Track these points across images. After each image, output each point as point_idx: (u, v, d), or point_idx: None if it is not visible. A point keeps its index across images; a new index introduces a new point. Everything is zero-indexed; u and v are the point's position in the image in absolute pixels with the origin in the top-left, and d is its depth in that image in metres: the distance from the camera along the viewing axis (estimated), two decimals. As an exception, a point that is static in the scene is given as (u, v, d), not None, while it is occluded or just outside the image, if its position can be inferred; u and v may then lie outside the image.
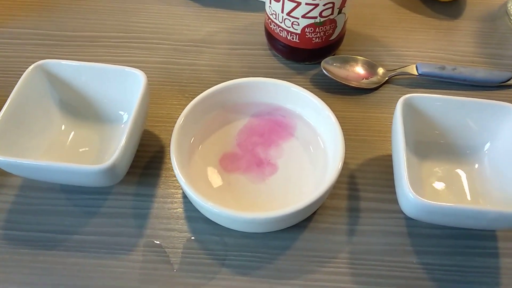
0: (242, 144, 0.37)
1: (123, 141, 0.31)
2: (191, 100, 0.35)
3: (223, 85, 0.36)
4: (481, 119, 0.35)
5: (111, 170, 0.30)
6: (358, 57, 0.43)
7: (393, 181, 0.34)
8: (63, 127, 0.37)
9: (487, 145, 0.35)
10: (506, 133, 0.34)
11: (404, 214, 0.32)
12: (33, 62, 0.35)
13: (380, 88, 0.42)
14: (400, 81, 0.43)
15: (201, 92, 0.36)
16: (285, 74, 0.43)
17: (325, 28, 0.40)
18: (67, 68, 0.35)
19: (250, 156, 0.36)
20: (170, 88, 0.42)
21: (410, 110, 0.34)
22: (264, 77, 0.37)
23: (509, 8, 0.49)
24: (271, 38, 0.43)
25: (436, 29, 0.48)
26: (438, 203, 0.29)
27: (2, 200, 0.35)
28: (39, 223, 0.34)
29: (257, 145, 0.36)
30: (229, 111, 0.38)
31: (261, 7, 0.49)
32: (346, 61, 0.43)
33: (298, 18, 0.39)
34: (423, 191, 0.34)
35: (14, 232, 0.33)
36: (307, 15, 0.38)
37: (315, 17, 0.38)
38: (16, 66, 0.44)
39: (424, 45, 0.46)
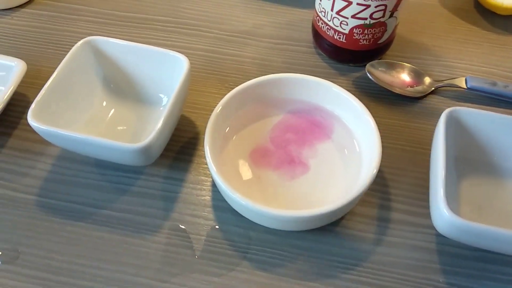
0: (275, 140, 0.36)
1: (160, 123, 0.31)
2: (229, 90, 0.35)
3: (263, 78, 0.36)
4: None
5: (145, 150, 0.30)
6: (405, 63, 0.42)
7: (428, 195, 0.33)
8: (104, 103, 0.37)
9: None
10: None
11: (435, 230, 0.31)
12: (82, 37, 0.36)
13: (425, 98, 0.41)
14: (447, 93, 0.41)
15: (241, 83, 0.35)
16: (327, 74, 0.43)
17: (374, 30, 0.39)
18: (114, 46, 0.36)
19: (282, 152, 0.36)
20: (211, 77, 0.42)
21: (455, 124, 0.33)
22: (305, 73, 0.36)
23: None
24: (317, 36, 0.43)
25: (491, 43, 0.46)
26: (473, 223, 0.28)
27: (40, 168, 0.36)
28: (71, 194, 0.35)
29: (290, 143, 0.36)
30: (266, 105, 0.37)
31: (310, 4, 0.49)
32: (392, 67, 0.41)
33: (347, 18, 0.38)
34: (458, 209, 0.33)
35: (47, 200, 0.34)
36: (357, 16, 0.37)
37: (365, 18, 0.38)
38: (66, 40, 0.45)
39: (476, 58, 0.44)
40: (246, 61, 0.44)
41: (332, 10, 0.38)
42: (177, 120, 0.36)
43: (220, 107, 0.34)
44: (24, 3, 0.49)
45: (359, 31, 0.39)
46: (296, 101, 0.37)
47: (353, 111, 0.35)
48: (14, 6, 0.48)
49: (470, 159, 0.35)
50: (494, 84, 0.40)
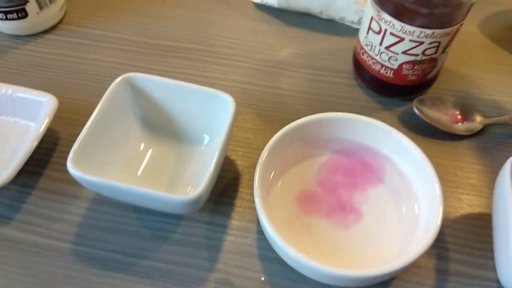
0: (323, 183, 0.34)
1: (210, 171, 0.29)
2: (269, 125, 0.33)
3: (307, 119, 0.34)
4: None
5: (196, 201, 0.28)
6: (453, 99, 0.40)
7: (488, 243, 0.31)
8: (142, 143, 0.35)
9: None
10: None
11: (498, 283, 0.29)
12: (110, 67, 0.34)
13: (474, 136, 0.39)
14: (497, 130, 0.39)
15: (281, 118, 0.34)
16: (370, 108, 0.41)
17: (425, 66, 0.37)
18: (154, 83, 0.34)
19: (332, 197, 0.34)
20: (248, 110, 0.41)
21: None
22: (347, 107, 0.35)
23: None
24: (360, 68, 0.41)
25: (537, 76, 0.44)
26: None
27: (74, 212, 0.34)
28: (109, 242, 0.32)
29: (340, 186, 0.34)
30: (311, 145, 0.35)
31: (346, 31, 0.47)
32: (439, 102, 0.40)
33: (397, 54, 0.36)
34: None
35: (84, 249, 0.32)
36: (409, 52, 0.36)
37: (417, 55, 0.36)
38: (93, 70, 0.43)
39: (524, 92, 0.43)
40: (283, 93, 0.42)
41: (380, 44, 0.37)
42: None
43: (267, 152, 0.32)
44: (48, 29, 0.47)
45: (409, 66, 0.37)
46: (342, 140, 0.35)
47: (409, 156, 0.33)
48: (37, 32, 0.46)
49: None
50: (550, 123, 0.38)
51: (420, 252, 0.28)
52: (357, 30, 0.47)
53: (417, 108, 0.39)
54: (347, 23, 0.47)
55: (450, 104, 0.40)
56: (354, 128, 0.35)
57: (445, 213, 0.34)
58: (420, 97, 0.39)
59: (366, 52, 0.39)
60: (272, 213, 0.31)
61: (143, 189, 0.28)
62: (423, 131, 0.39)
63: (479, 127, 0.39)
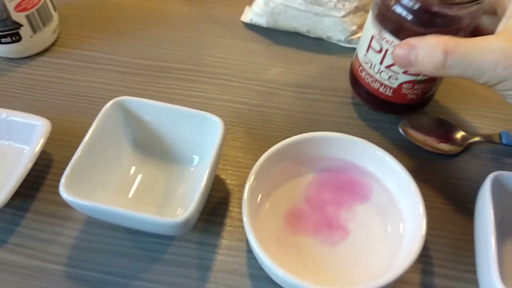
0: (310, 200, 0.35)
1: (198, 193, 0.30)
2: (259, 144, 0.34)
3: (294, 139, 0.35)
4: None
5: (186, 223, 0.29)
6: (438, 117, 0.41)
7: (472, 258, 0.32)
8: (133, 165, 0.36)
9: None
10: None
11: (484, 300, 0.30)
12: (103, 88, 0.35)
13: (459, 153, 0.40)
14: (481, 148, 0.40)
15: (270, 136, 0.35)
16: (359, 126, 0.42)
17: (424, 85, 0.38)
18: (146, 107, 0.35)
19: (319, 215, 0.34)
20: (238, 129, 0.41)
21: (499, 188, 0.32)
22: (336, 125, 0.35)
23: None
24: (357, 85, 0.41)
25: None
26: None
27: (66, 234, 0.34)
28: (102, 263, 0.33)
29: (327, 203, 0.35)
30: (298, 164, 0.36)
31: (334, 50, 0.48)
32: (425, 122, 0.41)
33: (398, 73, 0.37)
34: (504, 275, 0.32)
35: (77, 271, 0.33)
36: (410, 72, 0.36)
37: (417, 75, 0.36)
38: (87, 91, 0.44)
39: (508, 106, 0.43)
40: (272, 112, 0.43)
41: (380, 63, 0.37)
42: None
43: (253, 175, 0.33)
44: (41, 51, 0.47)
45: (409, 86, 0.37)
46: (330, 158, 0.36)
47: (394, 175, 0.34)
48: (30, 54, 0.47)
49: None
50: (531, 138, 0.39)
51: (405, 268, 0.28)
52: (344, 48, 0.48)
53: (403, 130, 0.40)
54: (334, 41, 0.48)
55: (435, 124, 0.41)
56: (341, 147, 0.36)
57: (429, 229, 0.35)
58: (405, 119, 0.40)
59: (365, 69, 0.39)
60: (260, 232, 0.32)
61: (134, 212, 0.29)
62: (411, 149, 0.40)
63: (463, 146, 0.40)
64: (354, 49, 0.45)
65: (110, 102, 0.34)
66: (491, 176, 0.32)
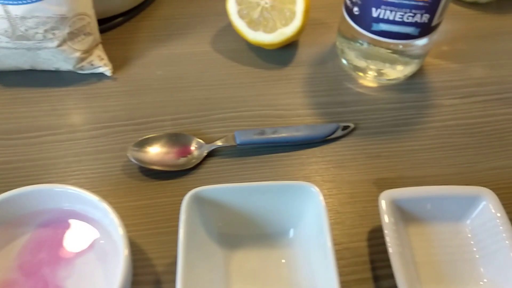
0: (24, 266, 0.31)
1: None
2: None
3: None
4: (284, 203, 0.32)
5: None
6: (172, 132, 0.39)
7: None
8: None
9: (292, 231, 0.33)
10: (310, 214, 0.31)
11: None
12: None
13: (202, 163, 0.38)
14: (221, 152, 0.39)
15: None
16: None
17: None
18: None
19: (33, 281, 0.30)
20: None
21: (201, 203, 0.31)
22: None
23: (337, 44, 0.46)
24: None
25: (264, 81, 0.45)
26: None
27: None
28: None
29: (42, 265, 0.31)
30: (8, 227, 0.32)
31: (71, 79, 0.44)
32: (157, 141, 0.38)
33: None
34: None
35: None
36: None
37: None
38: None
39: (245, 103, 0.42)
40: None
41: None
42: None
43: None
44: None
45: None
46: (46, 211, 0.32)
47: (102, 213, 0.31)
48: None
49: (232, 233, 0.33)
50: (263, 132, 0.39)
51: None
52: (84, 76, 0.44)
53: (133, 158, 0.37)
54: (67, 70, 0.44)
55: (168, 140, 0.38)
56: (50, 197, 0.32)
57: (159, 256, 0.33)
58: (133, 145, 0.37)
59: None
60: None
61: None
62: (148, 173, 0.37)
63: (202, 156, 0.38)
64: (94, 75, 0.42)
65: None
66: (187, 196, 0.30)
